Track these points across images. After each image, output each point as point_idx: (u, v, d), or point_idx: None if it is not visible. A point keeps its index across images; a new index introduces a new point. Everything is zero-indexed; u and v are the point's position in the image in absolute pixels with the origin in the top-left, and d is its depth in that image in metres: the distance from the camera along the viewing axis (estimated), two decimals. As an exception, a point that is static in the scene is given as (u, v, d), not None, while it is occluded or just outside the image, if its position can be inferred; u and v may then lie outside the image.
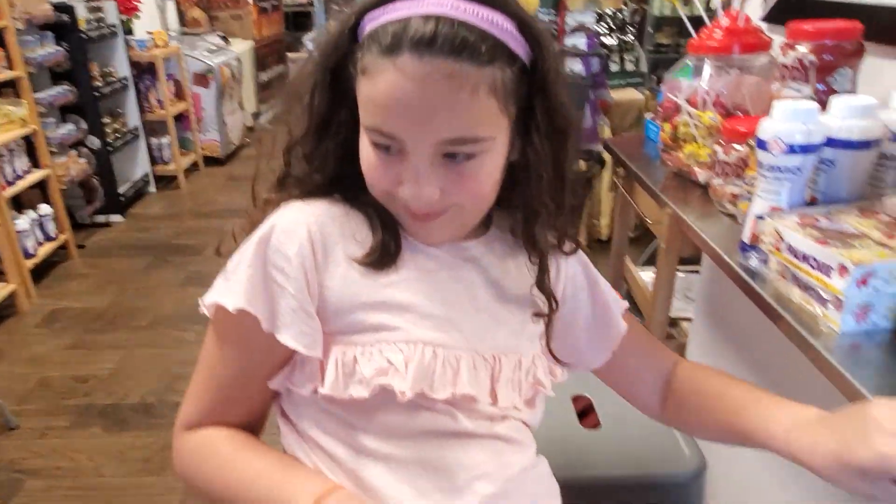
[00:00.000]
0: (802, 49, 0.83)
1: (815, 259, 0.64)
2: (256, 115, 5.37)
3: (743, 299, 1.21)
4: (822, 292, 0.63)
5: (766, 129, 0.71)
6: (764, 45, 1.00)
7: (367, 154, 0.61)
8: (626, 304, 0.78)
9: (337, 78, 0.61)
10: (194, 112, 4.33)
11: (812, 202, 0.75)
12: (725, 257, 0.79)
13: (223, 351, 0.66)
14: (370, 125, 0.59)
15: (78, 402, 2.20)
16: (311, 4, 7.03)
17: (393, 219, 0.65)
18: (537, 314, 0.70)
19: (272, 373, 0.65)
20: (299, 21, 6.99)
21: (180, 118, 4.25)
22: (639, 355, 0.79)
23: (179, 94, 4.23)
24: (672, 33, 4.64)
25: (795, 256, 0.66)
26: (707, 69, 1.01)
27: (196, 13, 5.24)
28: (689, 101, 1.03)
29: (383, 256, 0.64)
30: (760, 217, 0.74)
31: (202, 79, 4.29)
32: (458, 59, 0.54)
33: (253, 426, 0.69)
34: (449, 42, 0.54)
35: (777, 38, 1.00)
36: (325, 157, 0.65)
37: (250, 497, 0.62)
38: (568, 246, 0.72)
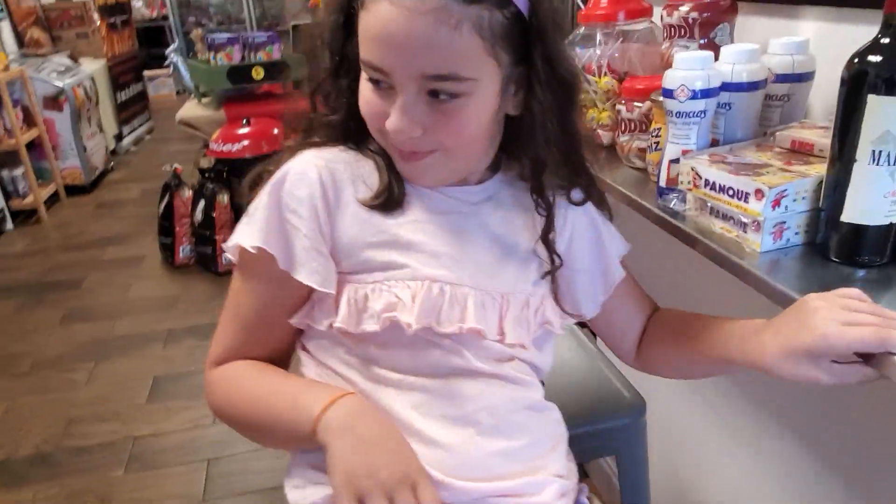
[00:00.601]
0: (684, 9, 0.91)
1: (732, 188, 0.70)
2: (119, 137, 5.03)
3: (645, 254, 1.30)
4: (742, 217, 0.70)
5: (671, 78, 0.78)
6: (646, 12, 1.08)
7: (363, 89, 0.64)
8: (625, 249, 0.80)
9: (348, 18, 0.63)
10: (48, 138, 3.99)
11: (714, 144, 0.83)
12: (645, 204, 0.85)
13: (246, 289, 0.71)
14: (363, 58, 0.62)
15: (-38, 464, 1.98)
16: (165, 18, 6.69)
17: None
18: (545, 274, 0.72)
19: (292, 310, 0.70)
20: (152, 36, 6.64)
21: (33, 146, 3.90)
22: (629, 305, 0.83)
23: (29, 121, 3.88)
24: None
25: (714, 189, 0.73)
26: (598, 37, 1.08)
27: (36, 33, 4.82)
28: (585, 69, 1.09)
29: (389, 199, 0.67)
30: (675, 161, 0.80)
31: (54, 102, 3.96)
32: None
33: (277, 364, 0.73)
34: None
35: (657, 8, 1.09)
36: (339, 96, 0.68)
37: (271, 411, 0.68)
38: (576, 195, 0.74)
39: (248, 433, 0.73)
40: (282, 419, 0.67)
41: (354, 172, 0.69)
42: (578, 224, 0.76)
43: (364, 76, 0.64)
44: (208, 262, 3.04)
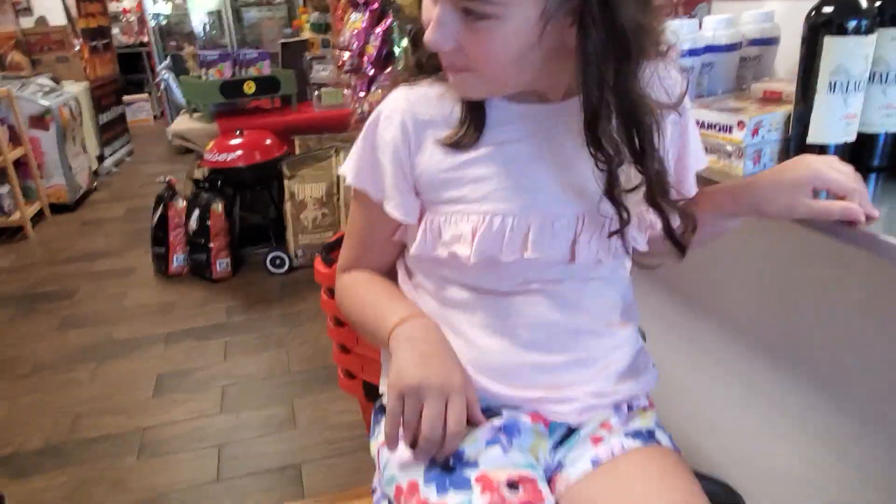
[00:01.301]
0: (669, -8, 1.09)
1: (718, 124, 0.86)
2: (101, 158, 5.08)
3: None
4: (727, 147, 0.86)
5: (664, 41, 0.94)
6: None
7: (424, 3, 0.68)
8: (702, 165, 0.81)
9: None
10: (34, 157, 4.04)
11: (699, 98, 0.99)
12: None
13: (356, 211, 0.83)
14: None
15: (-28, 458, 2.02)
16: (142, 45, 6.79)
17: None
18: (613, 233, 0.71)
19: (392, 230, 0.81)
20: (129, 63, 6.71)
21: (18, 165, 3.94)
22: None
23: (15, 140, 3.93)
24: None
25: (703, 127, 0.88)
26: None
27: (16, 57, 4.90)
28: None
29: (463, 137, 0.72)
30: (668, 111, 0.96)
31: (40, 121, 4.02)
32: None
33: (388, 272, 0.85)
34: None
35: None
36: None
37: (367, 318, 0.80)
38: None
39: (356, 331, 0.86)
40: (372, 326, 0.79)
41: (436, 111, 0.73)
42: (670, 134, 0.74)
43: None
44: (202, 270, 3.12)
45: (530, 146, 0.72)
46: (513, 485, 0.69)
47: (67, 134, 4.24)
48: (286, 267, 3.17)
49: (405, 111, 0.73)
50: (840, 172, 0.70)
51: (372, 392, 1.59)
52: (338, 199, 3.10)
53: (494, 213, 0.71)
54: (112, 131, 5.38)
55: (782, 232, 1.06)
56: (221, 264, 3.11)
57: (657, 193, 0.69)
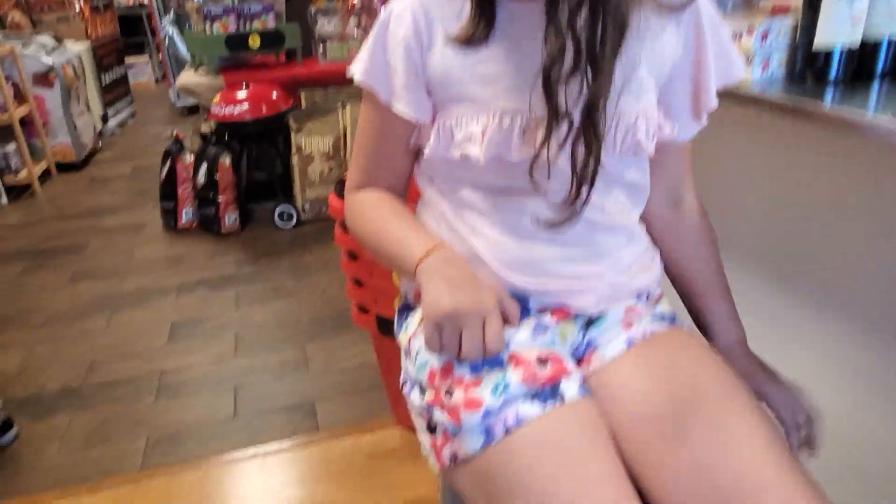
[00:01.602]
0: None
1: (731, 32, 0.88)
2: (104, 119, 5.08)
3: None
4: (737, 55, 0.88)
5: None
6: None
7: None
8: (733, 79, 0.78)
9: None
10: (39, 115, 4.05)
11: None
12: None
13: (366, 118, 0.82)
14: None
15: (-5, 400, 2.08)
16: (142, 6, 6.72)
17: None
18: (545, 130, 0.69)
19: (404, 135, 0.80)
20: (129, 25, 6.65)
21: (24, 124, 3.95)
22: (677, 157, 0.84)
23: (20, 98, 3.94)
24: None
25: (713, 37, 0.90)
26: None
27: (17, 16, 4.88)
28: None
29: (473, 34, 0.72)
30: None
31: (44, 79, 4.02)
32: None
33: (399, 190, 0.86)
34: None
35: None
36: None
37: (383, 245, 0.81)
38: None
39: (369, 253, 0.85)
40: (390, 254, 0.79)
41: (446, 8, 0.74)
42: (682, 33, 0.73)
43: None
44: (211, 224, 3.15)
45: (540, 44, 0.69)
46: (542, 361, 0.73)
47: (71, 92, 4.24)
48: (294, 221, 3.20)
49: (416, 9, 0.74)
50: (784, 400, 0.82)
51: (385, 326, 1.64)
52: (345, 154, 3.12)
53: (504, 111, 0.72)
54: (114, 92, 5.36)
55: (793, 146, 1.08)
56: (230, 218, 3.14)
57: (596, 106, 0.66)
